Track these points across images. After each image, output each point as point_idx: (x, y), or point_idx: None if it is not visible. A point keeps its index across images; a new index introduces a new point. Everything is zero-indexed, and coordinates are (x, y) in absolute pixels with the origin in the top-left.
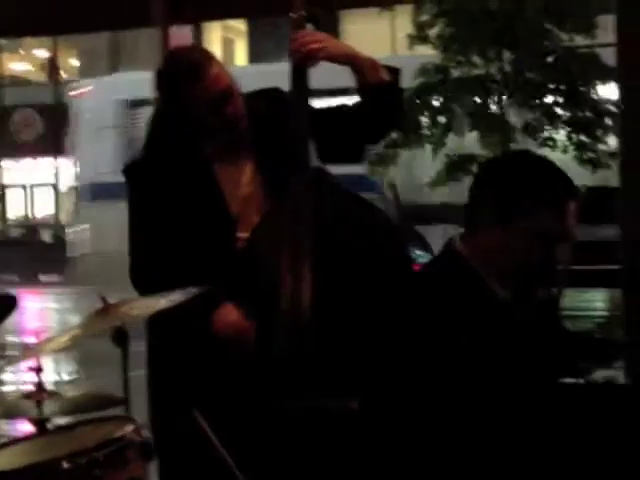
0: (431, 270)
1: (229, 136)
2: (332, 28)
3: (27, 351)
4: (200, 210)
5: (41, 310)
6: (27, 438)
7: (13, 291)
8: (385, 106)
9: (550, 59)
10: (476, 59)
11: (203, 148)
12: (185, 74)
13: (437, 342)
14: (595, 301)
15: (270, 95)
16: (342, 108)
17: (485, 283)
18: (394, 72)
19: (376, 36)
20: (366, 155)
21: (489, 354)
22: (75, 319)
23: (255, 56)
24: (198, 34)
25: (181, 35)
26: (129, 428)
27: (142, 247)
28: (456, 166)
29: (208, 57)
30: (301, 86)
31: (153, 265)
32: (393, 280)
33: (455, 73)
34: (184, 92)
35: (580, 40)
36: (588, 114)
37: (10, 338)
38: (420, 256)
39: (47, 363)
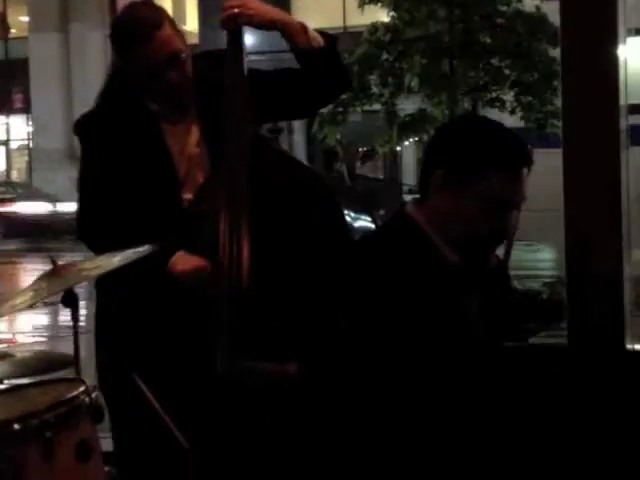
0: (383, 236)
1: (170, 100)
2: None
3: None
4: (147, 169)
5: None
6: None
7: None
8: (319, 70)
9: (499, 20)
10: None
11: (150, 107)
12: (132, 35)
13: (396, 312)
14: (544, 261)
15: (217, 57)
16: (285, 71)
17: (436, 248)
18: (330, 39)
19: (327, 6)
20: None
21: (440, 321)
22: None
23: (206, 14)
24: None
25: None
26: (79, 390)
27: (91, 202)
28: (407, 126)
29: (160, 18)
30: (235, 48)
31: (100, 220)
32: (329, 242)
33: (405, 33)
34: (130, 53)
35: (528, 1)
36: (536, 75)
37: None
38: (360, 218)
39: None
